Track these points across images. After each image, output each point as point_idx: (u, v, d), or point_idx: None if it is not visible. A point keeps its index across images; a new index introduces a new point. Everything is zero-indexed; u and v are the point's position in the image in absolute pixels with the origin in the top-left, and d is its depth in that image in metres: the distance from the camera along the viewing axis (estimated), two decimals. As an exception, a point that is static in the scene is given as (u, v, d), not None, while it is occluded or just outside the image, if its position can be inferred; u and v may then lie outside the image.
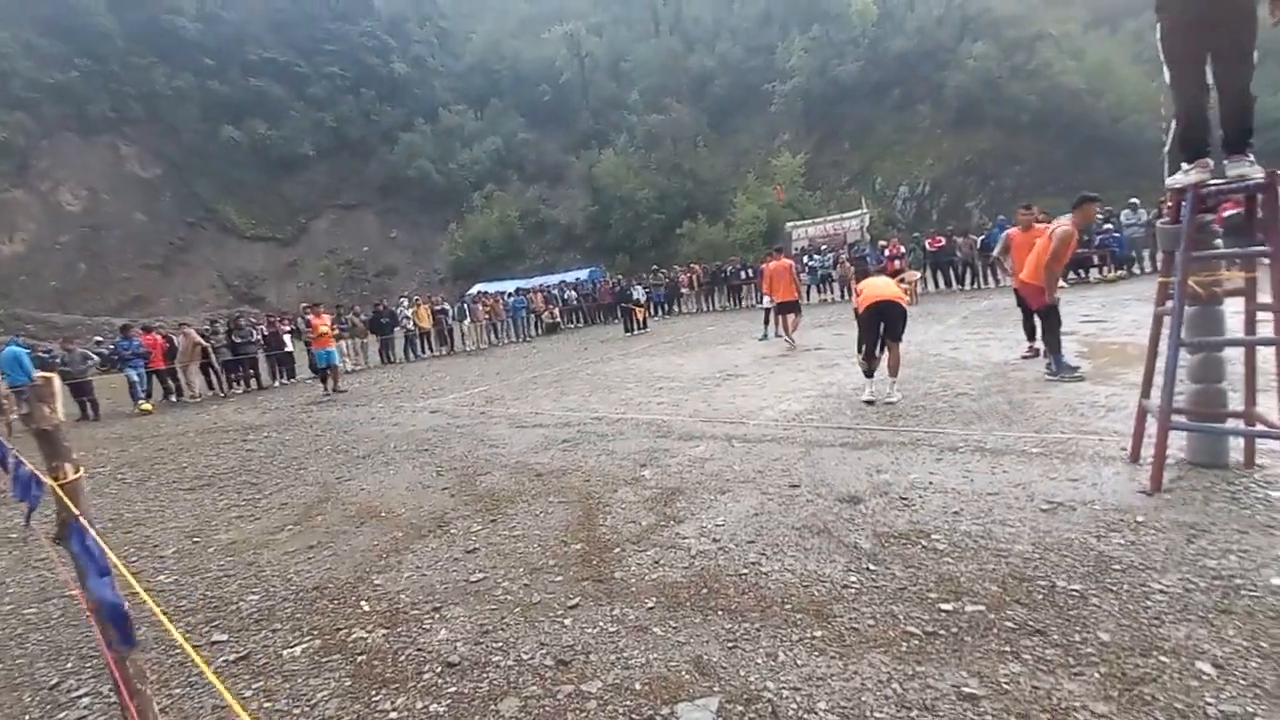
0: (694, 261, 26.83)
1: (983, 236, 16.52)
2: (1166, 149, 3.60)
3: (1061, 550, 2.84)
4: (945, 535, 3.13)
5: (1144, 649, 2.14)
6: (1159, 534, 2.88)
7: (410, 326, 17.35)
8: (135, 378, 12.48)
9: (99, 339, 21.77)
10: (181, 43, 46.00)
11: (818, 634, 2.44)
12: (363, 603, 3.14)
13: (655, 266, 24.97)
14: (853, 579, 2.82)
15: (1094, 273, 14.71)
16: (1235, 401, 3.63)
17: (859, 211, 22.91)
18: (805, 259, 19.92)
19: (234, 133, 45.38)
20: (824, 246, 19.97)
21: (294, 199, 47.45)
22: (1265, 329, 3.32)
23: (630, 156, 40.65)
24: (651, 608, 2.77)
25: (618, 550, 3.39)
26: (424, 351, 17.64)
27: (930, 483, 3.82)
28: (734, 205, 33.56)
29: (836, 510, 3.60)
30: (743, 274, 21.46)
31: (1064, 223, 5.75)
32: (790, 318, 10.83)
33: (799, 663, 2.28)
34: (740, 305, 21.23)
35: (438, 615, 2.93)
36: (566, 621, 2.74)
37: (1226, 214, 4.62)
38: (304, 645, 2.81)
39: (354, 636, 2.83)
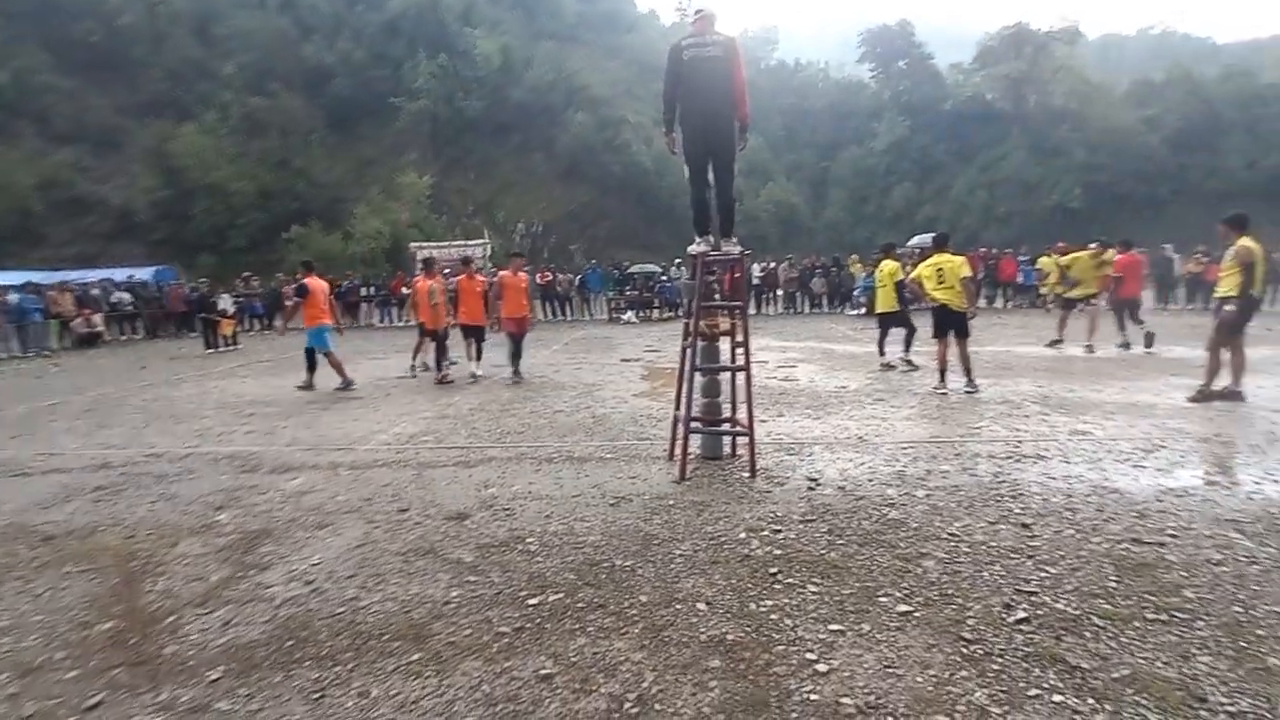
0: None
1: (580, 275, 20.91)
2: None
3: (621, 536, 3.52)
4: (538, 537, 3.53)
5: (667, 602, 2.81)
6: (681, 512, 3.83)
7: None
8: None
9: None
10: None
11: (415, 657, 2.46)
12: None
13: (248, 273, 21.02)
14: (454, 594, 2.94)
15: (655, 313, 18.60)
16: (728, 411, 5.05)
17: (481, 241, 23.87)
18: (431, 281, 19.91)
19: None
20: (447, 270, 20.19)
21: None
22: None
23: (223, 139, 33.74)
24: (216, 680, 2.35)
25: (172, 620, 2.79)
26: None
27: (530, 491, 4.25)
28: (355, 216, 31.05)
29: (444, 529, 3.69)
30: (361, 290, 20.10)
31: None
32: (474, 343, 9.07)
33: (392, 693, 2.24)
34: (359, 323, 19.70)
35: None
36: (79, 730, 2.13)
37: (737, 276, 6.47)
38: None
39: None
